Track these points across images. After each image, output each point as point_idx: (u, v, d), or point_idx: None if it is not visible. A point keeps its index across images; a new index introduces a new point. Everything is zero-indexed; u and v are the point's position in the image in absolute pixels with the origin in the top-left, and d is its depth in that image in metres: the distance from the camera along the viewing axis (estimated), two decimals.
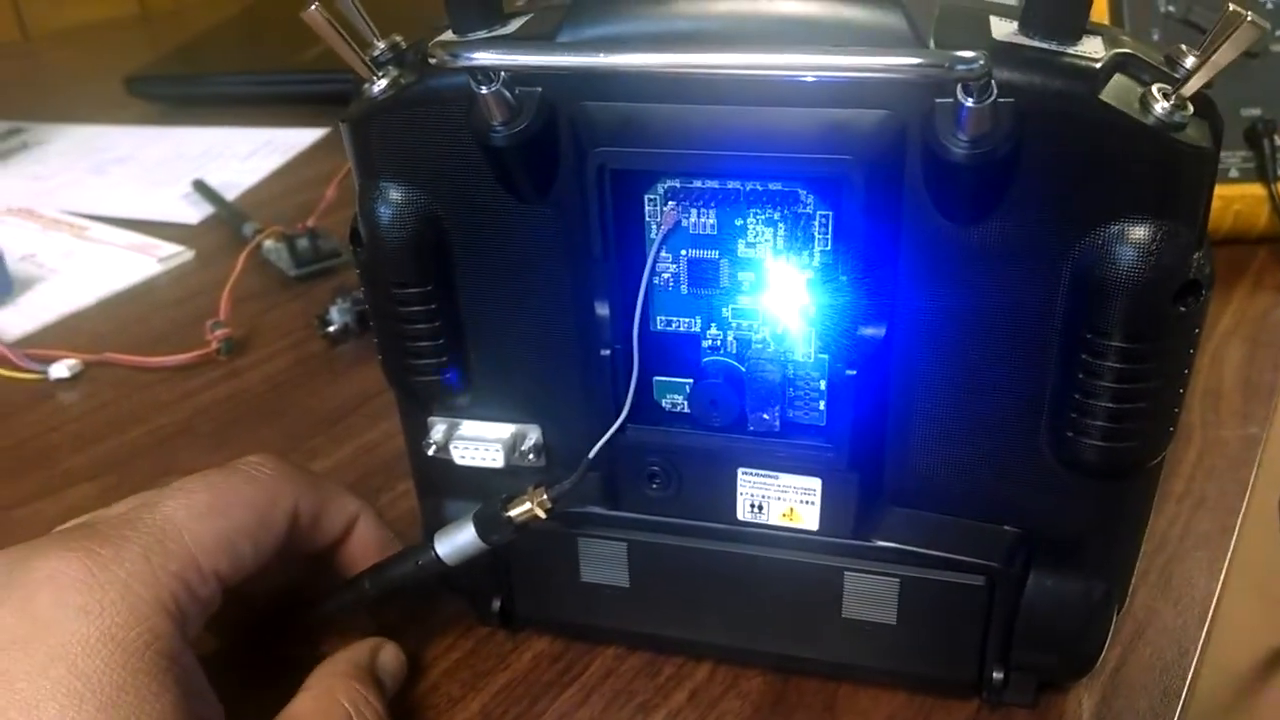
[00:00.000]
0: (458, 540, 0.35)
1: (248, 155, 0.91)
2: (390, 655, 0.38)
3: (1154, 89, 0.28)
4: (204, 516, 0.33)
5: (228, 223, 0.77)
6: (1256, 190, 0.63)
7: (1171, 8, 0.69)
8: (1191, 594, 0.41)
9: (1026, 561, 0.34)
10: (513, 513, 0.35)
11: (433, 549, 0.36)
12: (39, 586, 0.29)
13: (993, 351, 0.31)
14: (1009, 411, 0.32)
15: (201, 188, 0.82)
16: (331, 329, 0.61)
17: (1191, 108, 0.28)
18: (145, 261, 0.73)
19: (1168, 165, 0.28)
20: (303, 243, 0.69)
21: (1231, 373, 0.55)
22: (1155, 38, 0.66)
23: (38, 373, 0.60)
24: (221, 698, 0.32)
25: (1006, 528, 0.34)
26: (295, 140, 0.93)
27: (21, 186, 0.88)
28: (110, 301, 0.69)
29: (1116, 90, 0.28)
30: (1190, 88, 0.28)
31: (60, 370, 0.60)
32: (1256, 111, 0.63)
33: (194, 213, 0.81)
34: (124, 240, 0.76)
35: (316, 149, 0.93)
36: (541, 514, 0.34)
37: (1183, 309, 0.29)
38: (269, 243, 0.70)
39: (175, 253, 0.74)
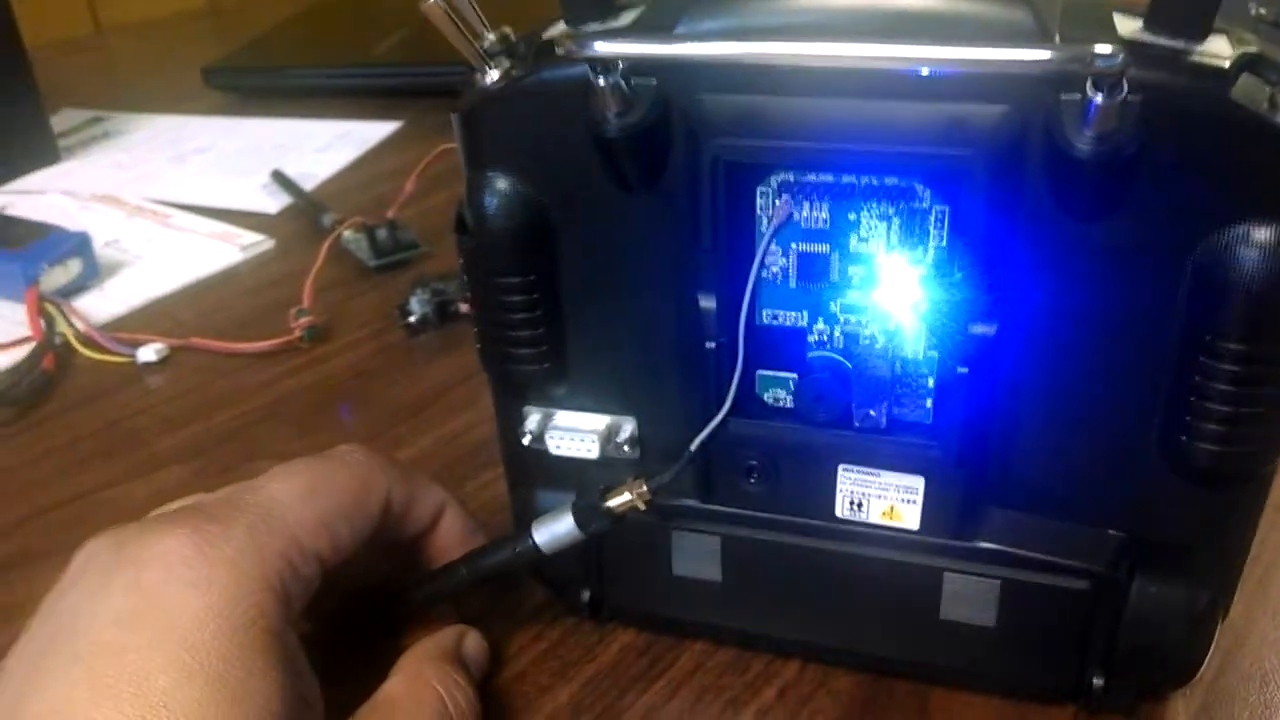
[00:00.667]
0: (556, 530, 0.36)
1: (324, 147, 0.92)
2: (474, 642, 0.38)
3: None
4: (305, 498, 0.33)
5: (306, 213, 0.78)
6: None
7: (1263, 10, 0.67)
8: None
9: (1131, 567, 0.34)
10: (612, 503, 0.35)
11: (531, 538, 0.36)
12: (148, 563, 0.30)
13: (1107, 352, 0.31)
14: (1120, 413, 0.32)
15: (280, 178, 0.83)
16: (412, 319, 0.62)
17: None
18: (227, 249, 0.74)
19: None
20: (382, 234, 0.70)
21: None
22: None
23: (126, 356, 0.61)
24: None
25: (1112, 532, 0.34)
26: (370, 133, 0.94)
27: (104, 174, 0.89)
28: (194, 288, 0.70)
29: (1245, 90, 0.27)
30: None
31: (148, 354, 0.61)
32: None
33: (273, 202, 0.82)
34: (206, 228, 0.77)
35: (391, 142, 0.94)
36: (641, 505, 0.34)
37: None
38: (349, 233, 0.71)
39: (256, 241, 0.75)
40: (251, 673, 0.29)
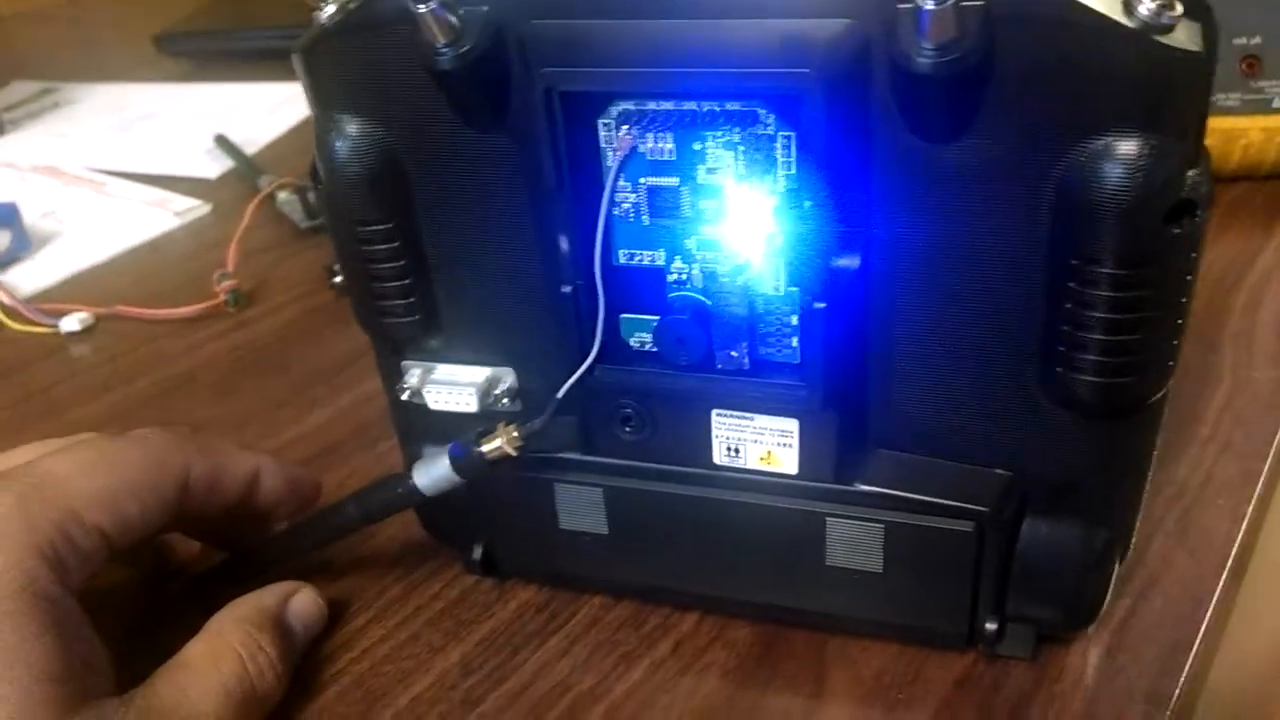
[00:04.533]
0: (434, 472, 0.35)
1: (273, 109, 0.90)
2: (306, 600, 0.37)
3: None
4: (86, 473, 0.33)
5: (247, 177, 0.77)
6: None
7: None
8: (1210, 543, 0.39)
9: (1020, 506, 0.32)
10: (484, 448, 0.34)
11: (411, 478, 0.35)
12: None
13: (974, 281, 0.29)
14: (995, 346, 0.30)
15: (223, 142, 0.82)
16: (338, 280, 0.61)
17: (1180, 7, 0.25)
18: (162, 215, 0.72)
19: (1154, 72, 0.25)
20: (315, 194, 0.68)
21: (1268, 314, 0.52)
22: None
23: (49, 326, 0.60)
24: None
25: (998, 470, 0.32)
26: None
27: (48, 144, 0.88)
28: (125, 256, 0.69)
29: None
30: None
31: (71, 324, 0.60)
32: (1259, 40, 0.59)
33: (215, 167, 0.80)
34: (142, 196, 0.76)
35: None
36: (512, 451, 0.33)
37: (1176, 230, 0.27)
38: (283, 195, 0.70)
39: (191, 206, 0.73)
40: (24, 637, 0.29)
